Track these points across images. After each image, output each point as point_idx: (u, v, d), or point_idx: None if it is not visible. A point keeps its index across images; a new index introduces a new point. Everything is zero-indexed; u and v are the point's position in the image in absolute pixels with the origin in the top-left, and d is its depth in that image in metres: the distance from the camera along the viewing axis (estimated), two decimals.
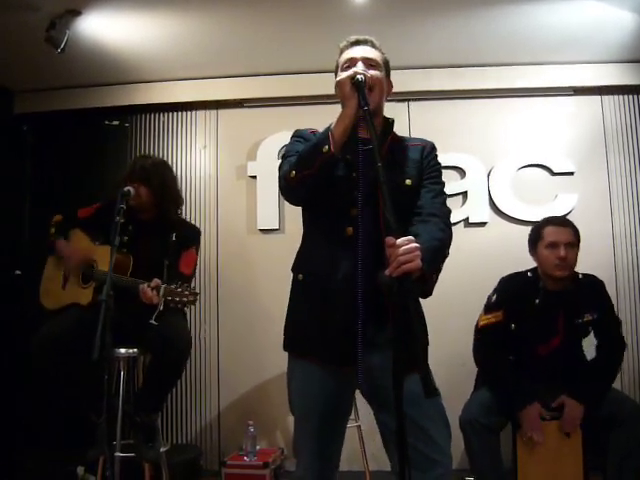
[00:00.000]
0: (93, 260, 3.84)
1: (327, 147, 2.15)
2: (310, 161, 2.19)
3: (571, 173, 4.92)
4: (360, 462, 4.18)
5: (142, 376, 3.92)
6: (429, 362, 2.09)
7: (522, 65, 4.96)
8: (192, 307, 4.81)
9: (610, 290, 3.83)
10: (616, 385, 3.81)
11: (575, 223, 3.78)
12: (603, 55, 4.82)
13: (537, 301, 3.65)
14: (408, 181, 2.35)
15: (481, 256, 4.86)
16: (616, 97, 5.03)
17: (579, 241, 3.67)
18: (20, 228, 5.20)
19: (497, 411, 3.50)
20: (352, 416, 3.95)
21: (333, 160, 2.19)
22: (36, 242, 4.93)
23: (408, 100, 5.13)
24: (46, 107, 5.29)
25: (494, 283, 3.84)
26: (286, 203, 2.55)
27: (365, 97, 2.16)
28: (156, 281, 3.48)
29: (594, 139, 4.97)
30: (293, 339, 2.42)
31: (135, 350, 3.69)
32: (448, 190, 4.84)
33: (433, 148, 2.55)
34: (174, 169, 4.46)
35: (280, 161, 2.45)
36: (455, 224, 4.91)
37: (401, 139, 2.59)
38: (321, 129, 2.41)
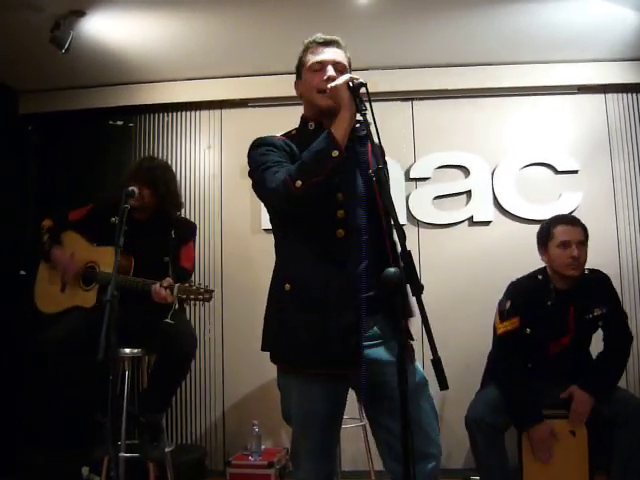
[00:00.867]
0: (93, 262, 3.84)
1: (337, 151, 2.15)
2: (319, 168, 2.16)
3: (575, 171, 4.92)
4: (365, 462, 4.18)
5: (147, 376, 3.92)
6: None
7: (526, 64, 4.96)
8: (195, 307, 4.82)
9: (615, 287, 3.82)
10: (621, 384, 3.81)
11: None
12: (607, 53, 4.82)
13: (549, 303, 3.64)
14: (370, 170, 2.31)
15: (486, 255, 4.85)
16: (620, 95, 5.02)
17: (588, 239, 3.67)
18: (24, 228, 5.20)
19: (503, 410, 3.49)
20: (357, 416, 3.97)
21: (343, 163, 2.19)
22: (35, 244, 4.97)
23: (412, 99, 5.13)
24: (50, 107, 5.30)
25: (499, 282, 3.83)
26: None
27: (362, 101, 2.18)
28: (168, 280, 3.48)
29: (598, 137, 4.97)
30: (286, 352, 2.39)
31: (140, 350, 3.70)
32: (452, 189, 4.90)
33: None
34: (178, 169, 4.48)
35: (254, 174, 2.38)
36: (459, 223, 4.93)
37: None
38: (279, 133, 2.48)
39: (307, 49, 2.47)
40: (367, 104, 2.19)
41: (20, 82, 5.18)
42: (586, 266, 3.70)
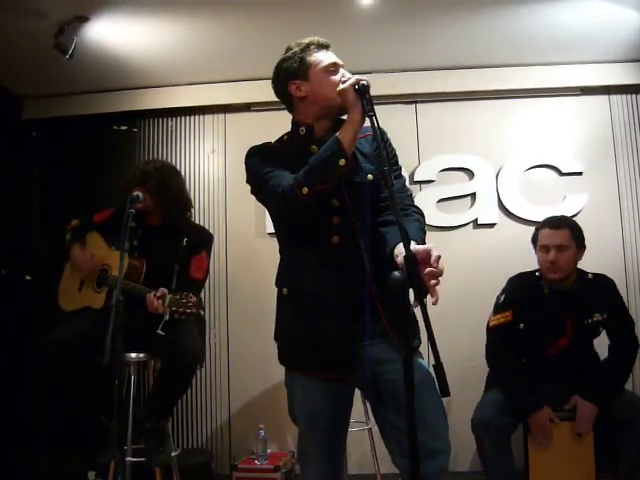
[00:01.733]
0: (107, 265, 3.85)
1: (344, 160, 2.13)
2: (326, 175, 2.15)
3: (580, 173, 4.91)
4: (371, 465, 4.17)
5: (152, 381, 3.92)
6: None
7: (529, 65, 4.96)
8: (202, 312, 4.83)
9: (620, 290, 3.81)
10: (628, 386, 3.80)
11: (584, 223, 3.76)
12: (610, 55, 4.81)
13: (544, 301, 3.64)
14: (370, 176, 2.32)
15: (490, 257, 4.85)
16: (624, 96, 5.01)
17: (580, 241, 3.64)
18: (29, 233, 5.22)
19: (509, 412, 3.49)
20: (362, 419, 3.97)
21: (351, 171, 2.19)
22: (45, 247, 4.97)
23: (415, 102, 5.13)
24: (55, 113, 5.31)
25: (503, 284, 3.83)
26: None
27: (370, 103, 2.15)
28: (162, 290, 3.47)
29: (602, 139, 4.96)
30: (288, 354, 2.41)
31: (145, 355, 3.70)
32: (457, 191, 4.90)
33: (384, 133, 2.44)
34: (182, 173, 4.45)
35: (254, 181, 2.39)
36: (464, 225, 4.93)
37: None
38: (273, 139, 2.49)
39: (308, 49, 2.43)
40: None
41: (24, 87, 5.19)
42: (591, 268, 3.69)
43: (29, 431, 4.90)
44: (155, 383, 3.82)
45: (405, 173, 4.92)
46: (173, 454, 3.79)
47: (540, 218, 4.64)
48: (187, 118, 5.34)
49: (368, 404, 3.18)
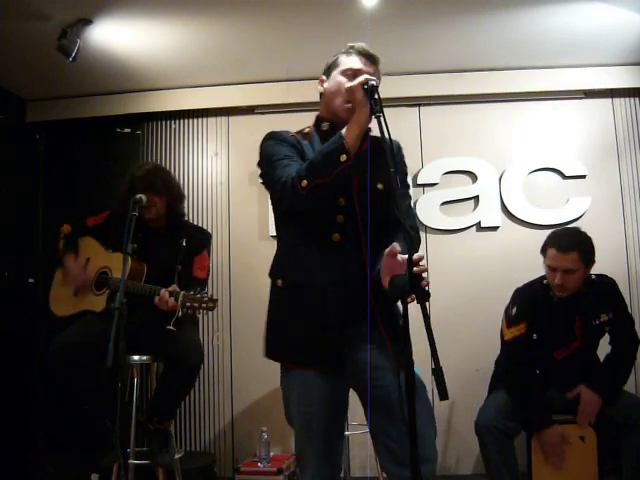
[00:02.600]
0: (106, 268, 3.85)
1: (345, 156, 2.13)
2: (326, 170, 2.15)
3: (583, 176, 4.91)
4: (374, 468, 4.16)
5: (155, 383, 3.92)
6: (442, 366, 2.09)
7: (533, 69, 4.96)
8: (204, 314, 4.83)
9: (623, 292, 3.80)
10: (630, 388, 3.80)
11: (588, 226, 3.75)
12: (613, 58, 4.81)
13: (555, 309, 3.63)
14: (380, 185, 2.33)
15: (493, 260, 4.85)
16: (627, 99, 5.01)
17: (588, 261, 3.56)
18: (33, 236, 5.23)
19: (513, 416, 3.49)
20: (364, 422, 3.97)
21: (351, 168, 2.17)
22: (48, 249, 4.98)
23: (419, 105, 5.13)
24: (58, 115, 5.32)
25: (507, 287, 3.83)
26: None
27: (378, 103, 2.14)
28: (174, 286, 3.48)
29: (605, 142, 4.96)
30: (281, 348, 2.44)
31: (148, 357, 3.70)
32: (460, 194, 4.91)
33: (399, 149, 2.50)
34: (185, 176, 4.48)
35: (264, 166, 2.43)
36: (467, 228, 4.93)
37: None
38: (294, 131, 2.49)
39: (347, 53, 2.45)
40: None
41: (28, 90, 5.20)
42: (594, 270, 3.68)
43: (33, 434, 4.91)
44: (158, 385, 3.83)
45: (408, 176, 4.94)
46: (176, 456, 3.79)
47: (543, 221, 4.68)
48: (190, 121, 5.34)
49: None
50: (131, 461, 3.53)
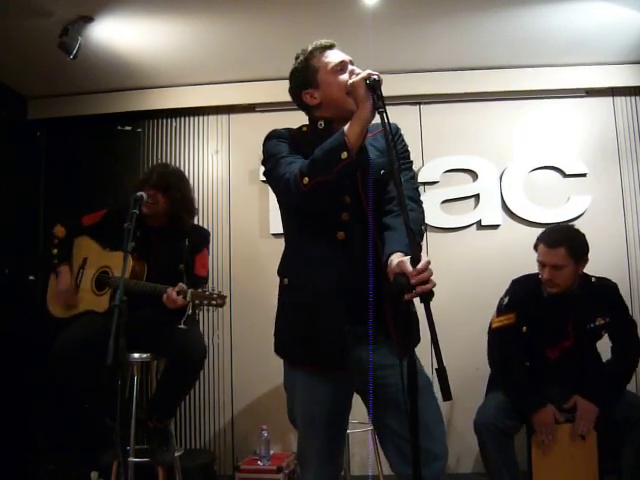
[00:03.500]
0: (106, 267, 3.85)
1: (346, 153, 2.10)
2: (327, 167, 2.13)
3: (583, 175, 4.91)
4: (374, 466, 4.17)
5: (155, 381, 3.92)
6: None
7: (534, 67, 4.96)
8: (204, 312, 4.83)
9: (623, 292, 3.80)
10: (631, 388, 3.79)
11: (588, 225, 3.77)
12: (615, 56, 4.81)
13: (547, 304, 3.63)
14: (382, 171, 2.30)
15: (494, 259, 4.85)
16: (628, 98, 5.01)
17: (578, 257, 3.54)
18: (34, 233, 5.23)
19: (512, 414, 3.49)
20: (366, 420, 3.97)
21: (353, 165, 2.15)
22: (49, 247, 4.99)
23: (419, 103, 5.14)
24: (59, 113, 5.32)
25: (507, 286, 3.83)
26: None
27: (382, 98, 2.11)
28: (181, 285, 3.48)
29: (606, 140, 4.96)
30: (286, 346, 2.43)
31: (148, 355, 3.70)
32: (460, 193, 4.90)
33: (398, 129, 2.47)
34: (186, 174, 4.46)
35: (268, 163, 2.40)
36: (468, 227, 4.93)
37: None
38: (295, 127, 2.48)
39: (313, 56, 2.40)
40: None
41: (29, 88, 5.20)
42: (594, 270, 3.68)
43: (33, 433, 4.91)
44: (159, 383, 3.83)
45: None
46: (176, 454, 3.79)
47: (544, 220, 4.68)
48: (191, 118, 5.34)
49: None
50: (131, 459, 3.53)
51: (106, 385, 3.47)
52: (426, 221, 2.56)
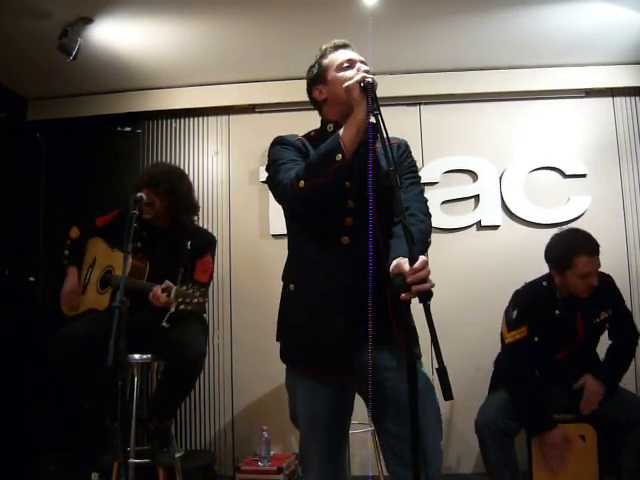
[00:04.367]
0: (110, 266, 3.85)
1: (340, 155, 2.11)
2: (322, 170, 2.14)
3: (583, 175, 4.91)
4: (374, 467, 4.17)
5: (156, 382, 3.92)
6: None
7: (534, 67, 4.96)
8: (205, 312, 4.82)
9: (624, 292, 3.82)
10: (631, 388, 3.80)
11: (588, 225, 3.77)
12: (615, 57, 4.81)
13: (557, 312, 3.63)
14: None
15: (494, 259, 4.85)
16: (628, 99, 5.01)
17: None
18: (34, 234, 5.23)
19: (513, 415, 3.49)
20: (366, 421, 3.97)
21: (347, 169, 2.16)
22: (49, 248, 4.98)
23: (419, 104, 5.14)
24: (59, 114, 5.32)
25: (508, 286, 3.83)
26: None
27: (376, 101, 2.13)
28: (167, 283, 3.46)
29: (606, 141, 4.96)
30: (290, 350, 2.42)
31: (149, 356, 3.69)
32: (460, 193, 4.90)
33: (407, 146, 2.51)
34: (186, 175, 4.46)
35: (270, 170, 2.42)
36: (467, 227, 4.93)
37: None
38: (301, 134, 2.48)
39: (326, 55, 2.44)
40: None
41: (28, 89, 5.20)
42: None
43: (33, 433, 4.91)
44: (159, 384, 3.82)
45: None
46: (176, 455, 3.78)
47: (544, 220, 4.68)
48: (191, 119, 5.35)
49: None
50: (131, 460, 3.52)
51: (106, 386, 3.47)
52: None
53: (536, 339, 3.62)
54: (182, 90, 5.23)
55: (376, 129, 2.09)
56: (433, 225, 2.36)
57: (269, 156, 2.45)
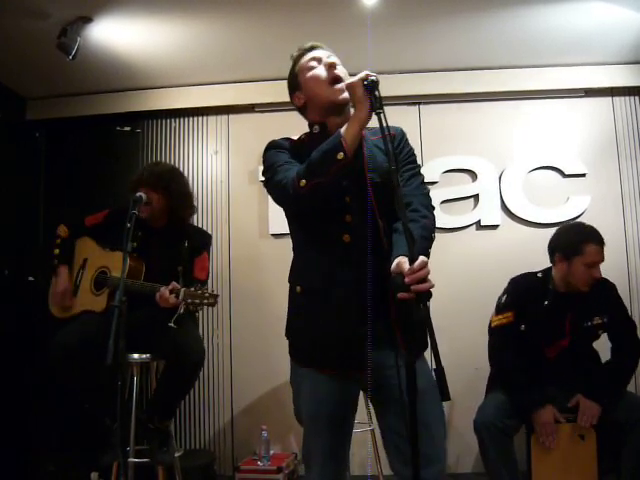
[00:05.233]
0: (105, 267, 3.85)
1: (342, 154, 2.11)
2: (323, 168, 2.14)
3: (583, 175, 4.92)
4: (373, 466, 4.17)
5: (155, 382, 3.92)
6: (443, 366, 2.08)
7: (533, 67, 4.96)
8: (204, 312, 4.83)
9: (623, 292, 3.82)
10: (631, 388, 3.80)
11: None
12: (614, 56, 4.81)
13: (546, 302, 3.65)
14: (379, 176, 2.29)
15: (493, 259, 4.85)
16: (627, 98, 5.02)
17: None
18: (34, 234, 5.23)
19: (512, 414, 3.49)
20: (365, 420, 3.97)
21: (350, 166, 2.15)
22: (49, 247, 4.98)
23: (419, 103, 5.14)
24: (58, 114, 5.32)
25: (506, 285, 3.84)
26: None
27: (379, 99, 2.11)
28: (174, 284, 3.48)
29: (606, 141, 4.96)
30: (298, 348, 2.42)
31: (148, 356, 3.69)
32: (460, 193, 4.90)
33: (403, 134, 2.47)
34: (185, 174, 4.45)
35: (267, 173, 2.40)
36: (467, 227, 4.93)
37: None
38: (294, 137, 2.49)
39: (296, 61, 2.47)
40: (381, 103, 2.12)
41: (27, 88, 5.20)
42: None
43: (32, 433, 4.91)
44: (159, 384, 3.82)
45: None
46: (176, 455, 3.79)
47: (543, 220, 4.68)
48: (190, 119, 5.34)
49: (370, 406, 3.20)
50: (131, 459, 3.52)
51: (106, 385, 3.47)
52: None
53: (522, 327, 3.65)
54: (181, 90, 5.23)
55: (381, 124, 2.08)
56: None
57: (265, 160, 2.44)
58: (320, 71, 2.36)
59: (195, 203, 4.18)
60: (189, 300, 3.40)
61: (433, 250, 2.27)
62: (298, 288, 2.39)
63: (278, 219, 4.93)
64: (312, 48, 2.46)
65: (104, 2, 3.88)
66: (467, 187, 5.00)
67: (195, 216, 4.89)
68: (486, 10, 4.11)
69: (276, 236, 4.96)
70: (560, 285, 3.67)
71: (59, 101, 5.31)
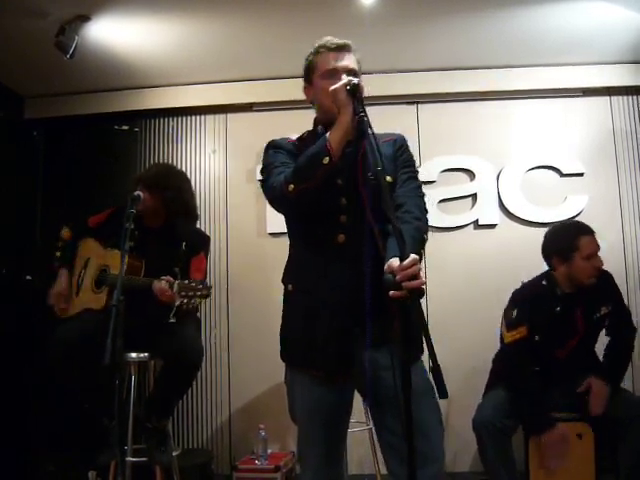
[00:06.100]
0: (105, 265, 3.84)
1: (327, 158, 2.12)
2: (309, 173, 2.15)
3: (580, 174, 4.92)
4: (371, 465, 4.17)
5: (153, 381, 3.92)
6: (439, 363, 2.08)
7: (530, 67, 4.96)
8: (202, 311, 4.81)
9: (620, 289, 3.82)
10: (628, 387, 3.80)
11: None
12: (612, 56, 4.82)
13: (558, 309, 3.64)
14: (388, 178, 2.28)
15: (491, 258, 4.85)
16: (625, 98, 5.02)
17: None
18: (31, 233, 5.22)
19: (510, 414, 3.49)
20: (363, 419, 3.97)
21: (335, 170, 2.17)
22: (46, 247, 4.98)
23: (416, 103, 5.14)
24: (56, 112, 5.31)
25: (505, 285, 3.84)
26: None
27: (362, 103, 2.14)
28: (168, 278, 3.46)
29: (603, 140, 4.97)
30: (289, 351, 2.42)
31: (146, 355, 3.69)
32: (458, 192, 4.89)
33: (404, 140, 2.49)
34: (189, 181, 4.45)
35: (263, 173, 2.42)
36: (465, 226, 4.93)
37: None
38: (294, 136, 2.49)
39: (318, 53, 2.42)
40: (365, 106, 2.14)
41: (26, 87, 5.20)
42: None
43: (32, 433, 4.90)
44: (157, 383, 3.81)
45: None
46: (174, 454, 3.79)
47: (541, 219, 4.68)
48: (189, 118, 5.34)
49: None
50: (128, 459, 3.52)
51: (106, 385, 3.46)
52: None
53: (537, 338, 3.62)
54: (180, 88, 5.23)
55: (364, 127, 2.09)
56: (430, 224, 2.34)
57: (263, 160, 2.46)
58: (329, 86, 2.29)
59: (197, 212, 4.17)
60: (183, 293, 3.38)
61: (431, 249, 2.28)
62: (290, 287, 2.40)
63: (276, 218, 4.88)
64: (341, 48, 2.40)
65: (102, 1, 3.89)
66: (465, 186, 5.00)
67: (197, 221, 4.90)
68: (483, 10, 4.11)
69: (274, 235, 4.96)
70: (566, 287, 3.66)
71: (57, 100, 5.30)
